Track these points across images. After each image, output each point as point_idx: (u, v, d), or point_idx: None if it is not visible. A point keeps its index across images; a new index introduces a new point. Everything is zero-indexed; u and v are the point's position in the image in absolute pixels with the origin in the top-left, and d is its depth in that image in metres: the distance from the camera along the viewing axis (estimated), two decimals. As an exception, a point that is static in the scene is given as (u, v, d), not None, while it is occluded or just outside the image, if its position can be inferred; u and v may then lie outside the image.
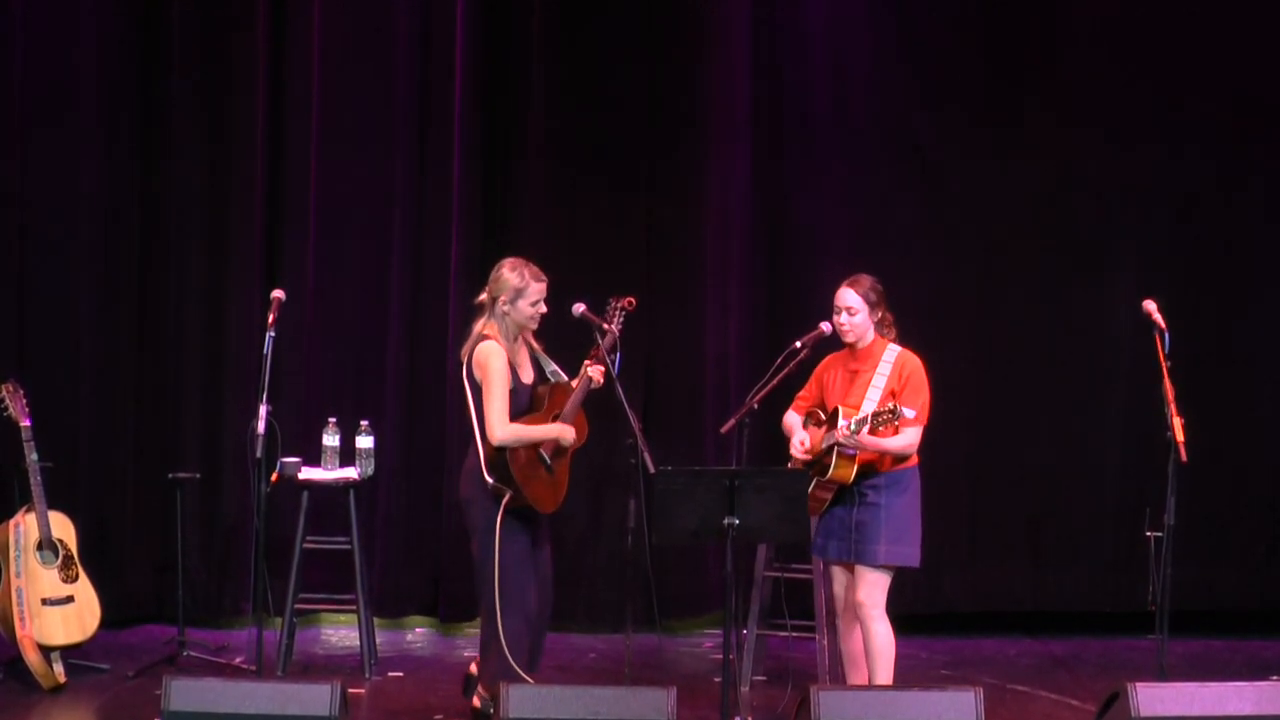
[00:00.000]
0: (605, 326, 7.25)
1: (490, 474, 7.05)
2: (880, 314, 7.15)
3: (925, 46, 9.55)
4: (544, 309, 7.18)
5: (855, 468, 6.99)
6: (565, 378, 7.29)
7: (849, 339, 7.17)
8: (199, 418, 9.36)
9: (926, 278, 9.32)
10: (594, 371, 7.19)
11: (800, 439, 7.21)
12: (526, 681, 6.94)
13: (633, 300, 7.40)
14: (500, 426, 7.02)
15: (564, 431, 7.14)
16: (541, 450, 7.11)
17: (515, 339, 7.18)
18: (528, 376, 7.20)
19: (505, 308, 7.14)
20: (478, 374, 7.10)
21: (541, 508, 7.12)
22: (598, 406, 7.35)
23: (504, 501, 7.02)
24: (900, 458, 7.05)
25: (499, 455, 7.04)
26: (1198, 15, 9.51)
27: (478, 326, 7.19)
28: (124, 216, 9.31)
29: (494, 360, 7.07)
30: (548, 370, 7.29)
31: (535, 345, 7.30)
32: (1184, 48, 9.50)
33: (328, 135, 9.38)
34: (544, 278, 7.18)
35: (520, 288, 7.13)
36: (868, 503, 7.03)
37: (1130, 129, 9.57)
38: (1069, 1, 9.58)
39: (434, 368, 9.37)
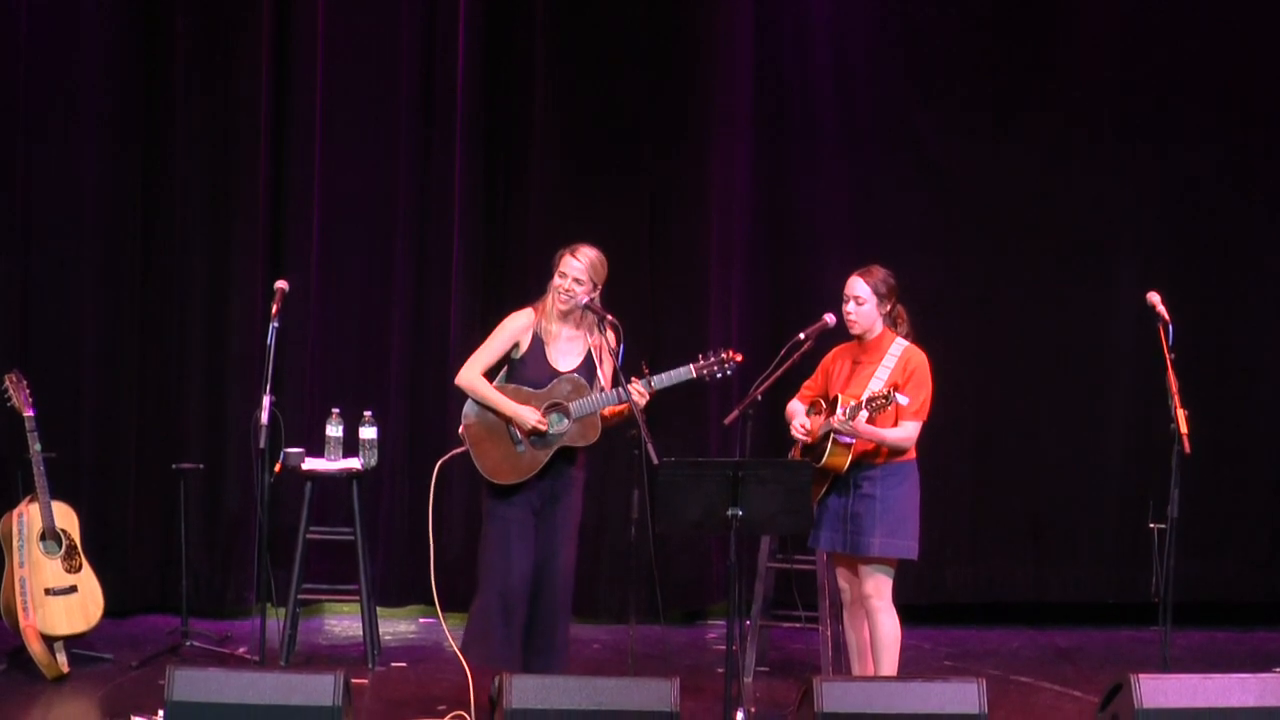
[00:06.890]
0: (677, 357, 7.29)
1: (463, 421, 7.20)
2: (890, 306, 7.08)
3: (928, 42, 9.55)
4: (569, 276, 7.11)
5: (850, 457, 6.95)
6: (607, 389, 7.17)
7: (855, 330, 7.11)
8: (202, 408, 9.35)
9: (928, 271, 9.30)
10: (636, 389, 7.06)
11: (801, 422, 7.17)
12: (490, 653, 7.03)
13: (740, 356, 7.33)
14: (468, 369, 7.18)
15: (519, 413, 7.07)
16: (512, 426, 7.11)
17: (562, 320, 7.17)
18: (564, 363, 7.19)
19: (549, 285, 7.22)
20: None
21: (491, 474, 7.14)
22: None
23: (452, 452, 7.17)
24: (897, 451, 6.99)
25: (470, 409, 7.18)
26: (1198, 16, 9.53)
27: None
28: (127, 208, 9.30)
29: (512, 320, 7.22)
30: (598, 371, 7.19)
31: (604, 348, 7.18)
32: (1185, 47, 9.52)
33: (331, 129, 9.38)
34: (577, 252, 7.15)
35: (554, 262, 7.21)
36: (863, 494, 6.98)
37: (1131, 126, 9.58)
38: (1072, 1, 9.58)
39: (437, 358, 9.38)
